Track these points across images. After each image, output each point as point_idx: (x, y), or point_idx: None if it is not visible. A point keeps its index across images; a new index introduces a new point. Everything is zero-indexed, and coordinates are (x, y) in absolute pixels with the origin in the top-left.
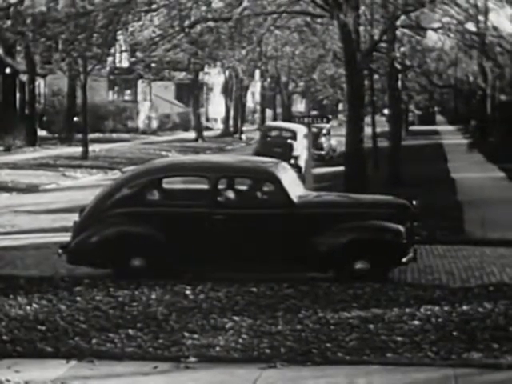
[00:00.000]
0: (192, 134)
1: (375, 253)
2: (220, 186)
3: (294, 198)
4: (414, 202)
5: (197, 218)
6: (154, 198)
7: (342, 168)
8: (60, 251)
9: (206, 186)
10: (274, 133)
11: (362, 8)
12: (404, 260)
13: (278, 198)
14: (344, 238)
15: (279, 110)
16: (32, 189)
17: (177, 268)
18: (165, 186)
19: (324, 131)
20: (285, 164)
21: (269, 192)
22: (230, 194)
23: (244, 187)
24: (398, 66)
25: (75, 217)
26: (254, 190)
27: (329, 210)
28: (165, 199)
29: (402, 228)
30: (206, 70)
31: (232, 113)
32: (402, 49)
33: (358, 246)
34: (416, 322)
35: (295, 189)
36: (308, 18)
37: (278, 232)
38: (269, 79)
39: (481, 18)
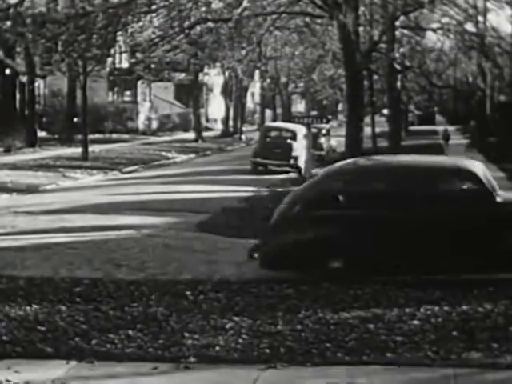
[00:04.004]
0: (192, 135)
1: None
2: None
3: (497, 197)
4: None
5: (393, 219)
6: (354, 199)
7: None
8: (255, 255)
9: (398, 187)
10: (273, 133)
11: (362, 9)
12: None
13: (478, 197)
14: None
15: (279, 111)
16: (32, 189)
17: (374, 271)
18: (358, 187)
19: (324, 131)
20: (478, 162)
21: (466, 191)
22: (429, 195)
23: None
24: (398, 67)
25: (75, 217)
26: (450, 190)
27: None
28: (368, 200)
29: None
30: (205, 70)
31: (232, 113)
32: (402, 49)
33: None
34: (416, 322)
35: (494, 187)
36: (307, 19)
37: (479, 232)
38: (268, 80)
39: (480, 18)
